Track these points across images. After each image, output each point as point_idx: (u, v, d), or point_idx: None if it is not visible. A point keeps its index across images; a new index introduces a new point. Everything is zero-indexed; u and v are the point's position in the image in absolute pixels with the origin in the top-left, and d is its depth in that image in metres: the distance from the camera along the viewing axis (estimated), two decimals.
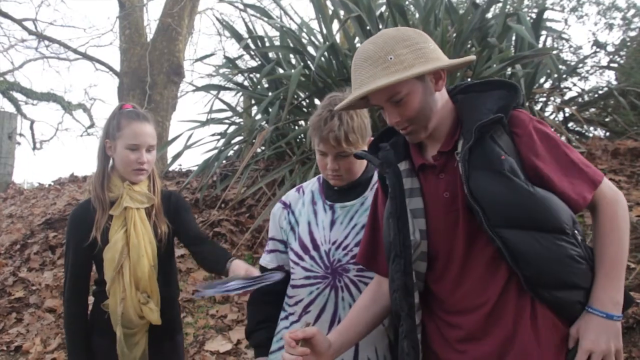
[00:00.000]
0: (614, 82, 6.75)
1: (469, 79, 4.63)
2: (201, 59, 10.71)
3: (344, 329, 1.59)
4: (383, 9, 5.33)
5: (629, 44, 7.34)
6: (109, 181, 2.09)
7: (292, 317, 1.91)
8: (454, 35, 4.82)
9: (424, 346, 1.53)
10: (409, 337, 1.49)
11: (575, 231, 1.37)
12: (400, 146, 1.57)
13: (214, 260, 2.07)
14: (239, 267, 1.91)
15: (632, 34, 7.77)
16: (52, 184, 7.81)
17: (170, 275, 2.22)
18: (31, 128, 16.43)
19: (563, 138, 5.23)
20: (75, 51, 13.70)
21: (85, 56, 13.81)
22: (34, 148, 16.80)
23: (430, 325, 1.55)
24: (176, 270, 2.36)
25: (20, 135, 15.88)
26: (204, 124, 5.86)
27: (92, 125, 17.15)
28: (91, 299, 2.17)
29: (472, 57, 1.55)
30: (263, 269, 2.00)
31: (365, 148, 1.77)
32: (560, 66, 5.59)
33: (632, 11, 7.42)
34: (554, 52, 5.75)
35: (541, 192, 1.35)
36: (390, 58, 1.37)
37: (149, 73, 9.70)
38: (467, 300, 1.46)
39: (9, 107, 15.15)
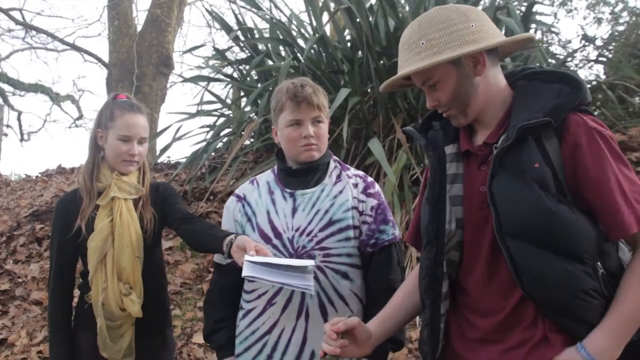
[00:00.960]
0: (603, 76, 6.79)
1: None
2: (190, 50, 10.66)
3: (386, 317, 1.55)
4: (373, 1, 5.31)
5: (617, 38, 7.37)
6: (98, 171, 2.07)
7: (253, 312, 1.84)
8: None
9: (444, 339, 1.48)
10: (430, 326, 1.46)
11: (598, 263, 1.26)
12: (451, 127, 1.49)
13: (209, 237, 1.87)
14: (248, 243, 1.68)
15: (620, 28, 7.81)
16: (40, 175, 7.74)
17: (157, 268, 2.18)
18: (18, 119, 16.24)
19: None
20: (63, 42, 13.57)
21: (74, 47, 13.67)
22: (22, 139, 16.62)
23: (453, 320, 1.50)
24: (164, 263, 2.32)
25: (8, 126, 15.71)
26: (193, 115, 5.83)
27: (80, 117, 16.98)
28: (77, 293, 2.14)
29: (527, 35, 1.42)
30: (218, 266, 1.95)
31: (327, 123, 1.86)
32: (549, 60, 5.60)
33: (620, 6, 7.44)
34: (544, 45, 5.76)
35: (566, 212, 1.24)
36: (422, 43, 1.34)
37: (138, 64, 9.62)
38: (489, 302, 1.40)
39: None
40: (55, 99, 16.22)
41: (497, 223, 1.30)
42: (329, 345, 1.38)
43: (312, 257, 1.77)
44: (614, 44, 7.37)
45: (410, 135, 1.54)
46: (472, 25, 1.34)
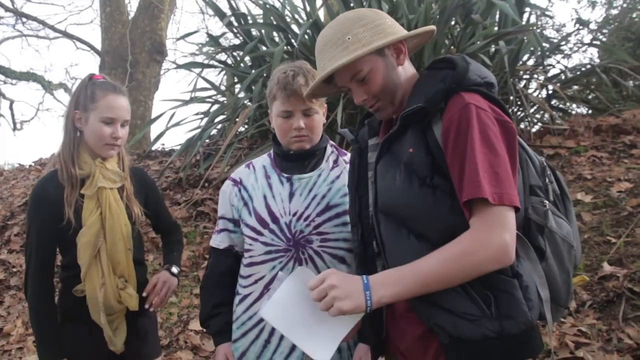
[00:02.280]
0: (597, 60, 6.78)
1: None
2: (184, 37, 10.57)
3: None
4: None
5: (611, 21, 7.36)
6: (78, 156, 1.95)
7: (250, 297, 1.83)
8: (438, 12, 4.79)
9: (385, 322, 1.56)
10: (376, 317, 1.53)
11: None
12: (376, 122, 1.60)
13: (164, 258, 2.22)
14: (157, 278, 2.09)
15: (614, 12, 7.80)
16: (33, 164, 7.70)
17: (141, 257, 2.16)
18: (11, 108, 16.13)
19: (546, 115, 5.26)
20: (54, 29, 13.45)
21: (66, 34, 13.56)
22: (14, 128, 16.52)
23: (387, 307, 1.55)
24: (144, 250, 2.30)
25: (0, 115, 15.63)
26: (186, 102, 5.80)
27: None
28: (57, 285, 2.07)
29: (432, 27, 1.49)
30: (215, 250, 1.94)
31: (322, 111, 1.85)
32: (543, 44, 5.59)
33: None
34: (538, 29, 5.75)
35: (424, 195, 1.30)
36: (348, 38, 1.38)
37: (131, 52, 9.55)
38: None
39: None
40: (48, 87, 16.11)
41: (375, 200, 1.45)
42: None
43: (309, 242, 1.78)
44: (608, 27, 7.36)
45: (342, 135, 1.67)
46: (388, 21, 1.42)
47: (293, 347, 1.76)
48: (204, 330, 1.95)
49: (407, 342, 1.43)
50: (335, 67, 1.35)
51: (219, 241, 1.93)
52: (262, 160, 1.94)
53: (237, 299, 1.88)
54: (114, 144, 1.96)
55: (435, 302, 1.30)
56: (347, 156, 1.94)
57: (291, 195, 1.82)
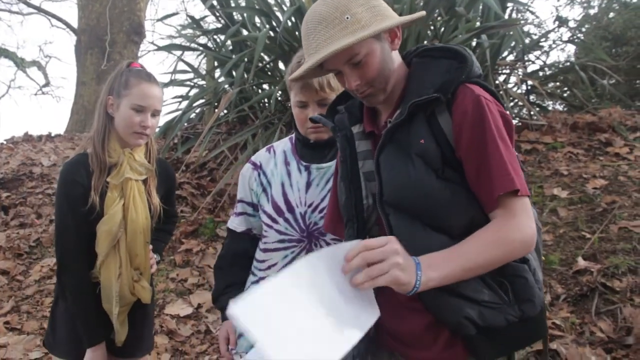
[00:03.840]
0: (574, 58, 6.87)
1: None
2: (163, 18, 10.37)
3: None
4: None
5: (589, 20, 7.47)
6: (108, 142, 1.94)
7: (264, 281, 1.84)
8: (422, 3, 4.79)
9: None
10: None
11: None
12: (355, 109, 1.53)
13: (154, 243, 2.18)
14: None
15: (593, 11, 7.90)
16: (5, 142, 7.52)
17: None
18: None
19: (525, 110, 5.32)
20: (29, 4, 13.13)
21: (41, 10, 13.24)
22: None
23: (380, 294, 1.47)
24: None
25: None
26: (165, 85, 5.71)
27: (47, 84, 16.55)
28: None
29: (422, 12, 1.45)
30: (232, 232, 1.94)
31: None
32: (524, 39, 5.64)
33: None
34: (522, 24, 5.79)
35: (441, 187, 1.28)
36: (347, 17, 1.29)
37: (109, 31, 9.37)
38: None
39: None
40: (20, 64, 15.74)
41: (380, 192, 1.36)
42: None
43: (323, 235, 1.77)
44: (586, 26, 7.46)
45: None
46: (383, 4, 1.36)
47: None
48: (214, 306, 1.97)
49: (411, 333, 1.40)
50: (339, 48, 1.25)
51: (236, 224, 1.93)
52: (283, 145, 1.91)
53: (252, 278, 1.89)
54: (142, 132, 1.93)
55: (461, 294, 1.27)
56: None
57: (308, 185, 1.80)
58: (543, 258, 2.74)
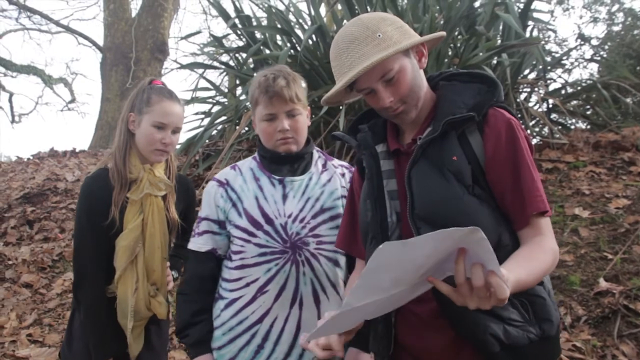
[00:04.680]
0: (597, 76, 6.81)
1: (455, 67, 4.64)
2: (187, 37, 10.61)
3: None
4: None
5: (613, 38, 7.40)
6: (129, 158, 1.97)
7: (240, 301, 1.77)
8: (442, 22, 4.81)
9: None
10: (384, 321, 1.47)
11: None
12: (379, 128, 1.55)
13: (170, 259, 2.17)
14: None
15: (616, 28, 7.84)
16: (31, 158, 7.69)
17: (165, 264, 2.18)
18: (10, 101, 16.12)
19: (546, 129, 5.28)
20: (57, 24, 13.47)
21: (68, 29, 13.57)
22: (13, 121, 16.50)
23: (397, 313, 1.50)
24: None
25: None
26: (187, 102, 5.80)
27: (73, 100, 16.87)
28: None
29: (442, 33, 1.49)
30: (195, 254, 1.85)
31: (306, 113, 1.83)
32: (546, 58, 5.62)
33: (616, 6, 7.48)
34: (543, 43, 5.78)
35: (473, 204, 1.31)
36: (379, 35, 1.35)
37: (134, 49, 9.55)
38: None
39: None
40: (48, 81, 16.09)
41: (411, 206, 1.37)
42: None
43: (306, 244, 1.76)
44: (609, 43, 7.40)
45: (340, 139, 1.60)
46: (406, 25, 1.43)
47: (289, 352, 1.74)
48: (180, 340, 1.85)
49: (432, 351, 1.41)
50: (375, 61, 1.30)
51: (200, 244, 1.84)
52: (248, 163, 1.91)
53: (221, 303, 1.81)
54: (163, 149, 1.97)
55: (490, 311, 1.21)
56: (335, 161, 1.95)
57: (284, 197, 1.80)
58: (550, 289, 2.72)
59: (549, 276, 1.42)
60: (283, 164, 1.84)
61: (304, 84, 1.83)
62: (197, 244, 1.85)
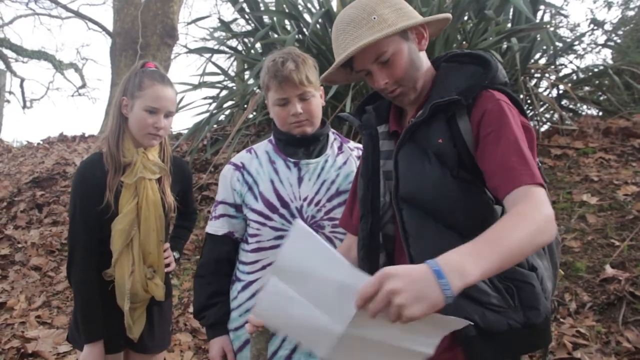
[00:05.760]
0: (610, 61, 6.72)
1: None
2: (195, 21, 10.58)
3: None
4: None
5: (627, 23, 7.29)
6: (122, 142, 1.97)
7: (256, 284, 1.79)
8: (451, 6, 4.76)
9: None
10: None
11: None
12: (383, 110, 1.57)
13: (170, 240, 2.24)
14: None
15: (631, 13, 7.72)
16: (41, 142, 7.74)
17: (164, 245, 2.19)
18: (21, 86, 16.21)
19: (556, 115, 5.23)
20: (67, 9, 13.47)
21: (78, 14, 13.57)
22: (24, 106, 16.61)
23: None
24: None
25: (10, 93, 15.68)
26: (195, 87, 5.80)
27: (83, 86, 16.95)
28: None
29: (446, 15, 1.47)
30: (212, 237, 1.87)
31: (320, 94, 1.82)
32: (557, 43, 5.54)
33: None
34: (552, 28, 5.70)
35: (456, 187, 1.29)
36: (374, 18, 1.35)
37: (142, 34, 9.54)
38: None
39: None
40: (59, 66, 16.16)
41: (396, 187, 1.39)
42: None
43: (321, 227, 1.76)
44: (623, 28, 7.29)
45: (345, 119, 1.62)
46: (408, 6, 1.42)
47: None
48: (198, 321, 1.89)
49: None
50: (364, 44, 1.31)
51: (217, 227, 1.86)
52: (264, 146, 1.91)
53: (238, 285, 1.84)
54: (155, 133, 1.97)
55: (467, 294, 1.18)
56: (350, 143, 1.94)
57: (300, 180, 1.80)
58: (561, 272, 2.69)
59: (550, 265, 1.38)
60: (299, 146, 1.83)
61: (314, 65, 1.81)
62: (214, 227, 1.86)
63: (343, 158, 1.86)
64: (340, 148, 1.89)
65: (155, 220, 2.01)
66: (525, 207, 1.15)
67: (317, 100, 1.81)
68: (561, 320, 2.86)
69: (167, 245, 2.14)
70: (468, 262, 1.02)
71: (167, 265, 2.12)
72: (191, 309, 3.64)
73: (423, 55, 1.45)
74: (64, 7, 13.32)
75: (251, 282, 1.81)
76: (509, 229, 1.10)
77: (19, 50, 15.38)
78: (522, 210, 1.14)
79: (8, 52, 15.29)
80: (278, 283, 1.09)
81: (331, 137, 1.90)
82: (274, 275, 1.10)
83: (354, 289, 1.00)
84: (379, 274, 0.99)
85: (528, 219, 1.12)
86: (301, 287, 1.07)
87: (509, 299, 1.29)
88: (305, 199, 1.78)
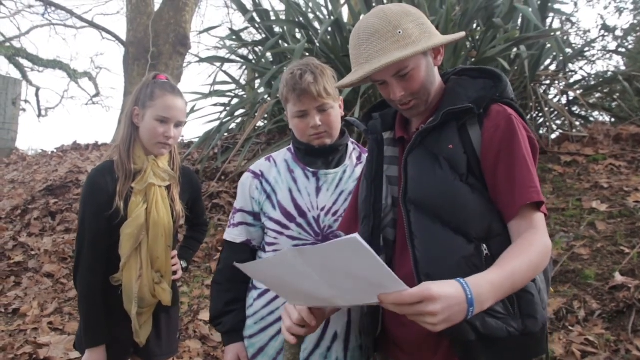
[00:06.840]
0: (622, 68, 6.69)
1: (473, 59, 4.61)
2: (207, 30, 10.64)
3: None
4: None
5: (638, 28, 7.26)
6: (133, 150, 2.02)
7: (271, 292, 1.79)
8: (460, 14, 4.78)
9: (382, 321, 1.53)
10: (370, 310, 1.51)
11: (484, 245, 1.32)
12: (389, 117, 1.61)
13: (179, 249, 2.29)
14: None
15: None
16: (55, 151, 7.84)
17: (172, 252, 2.22)
18: (36, 95, 16.47)
19: (566, 122, 5.22)
20: (81, 19, 13.65)
21: (92, 24, 13.75)
22: (39, 115, 16.84)
23: None
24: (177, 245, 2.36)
25: (26, 101, 15.90)
26: (207, 95, 5.86)
27: (97, 94, 17.16)
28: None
29: (462, 33, 1.54)
30: (230, 244, 1.88)
31: (339, 105, 1.82)
32: (567, 49, 5.53)
33: None
34: (560, 35, 5.69)
35: (465, 192, 1.33)
36: (399, 32, 1.37)
37: (155, 43, 9.65)
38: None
39: (15, 73, 15.14)
40: (73, 75, 16.37)
41: (404, 189, 1.40)
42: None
43: (337, 237, 1.75)
44: (634, 34, 7.26)
45: (352, 123, 1.65)
46: (428, 21, 1.44)
47: (317, 344, 1.74)
48: (214, 327, 1.89)
49: (414, 339, 1.42)
50: (394, 60, 1.33)
51: (235, 235, 1.86)
52: (283, 155, 1.91)
53: (254, 293, 1.84)
54: (165, 142, 2.01)
55: None
56: None
57: (318, 190, 1.80)
58: (551, 290, 2.67)
59: (544, 277, 1.40)
60: (318, 156, 1.83)
61: (333, 76, 1.81)
62: (233, 235, 1.87)
63: (361, 168, 1.84)
64: (359, 158, 1.89)
65: (164, 225, 2.04)
66: (533, 238, 1.27)
67: (336, 112, 1.81)
68: (570, 328, 2.84)
69: (175, 252, 2.17)
70: (490, 294, 1.14)
71: (174, 273, 2.15)
72: (201, 316, 3.68)
73: (436, 70, 1.49)
74: (79, 17, 13.50)
75: (267, 290, 1.81)
76: (521, 262, 1.22)
77: (35, 60, 15.62)
78: (531, 241, 1.26)
79: (24, 62, 15.53)
80: (297, 258, 1.11)
81: (350, 147, 1.90)
82: (298, 253, 1.11)
83: (386, 288, 1.08)
84: (424, 292, 1.06)
85: (534, 251, 1.24)
86: (324, 273, 1.12)
87: (510, 306, 1.31)
88: (322, 209, 1.78)
